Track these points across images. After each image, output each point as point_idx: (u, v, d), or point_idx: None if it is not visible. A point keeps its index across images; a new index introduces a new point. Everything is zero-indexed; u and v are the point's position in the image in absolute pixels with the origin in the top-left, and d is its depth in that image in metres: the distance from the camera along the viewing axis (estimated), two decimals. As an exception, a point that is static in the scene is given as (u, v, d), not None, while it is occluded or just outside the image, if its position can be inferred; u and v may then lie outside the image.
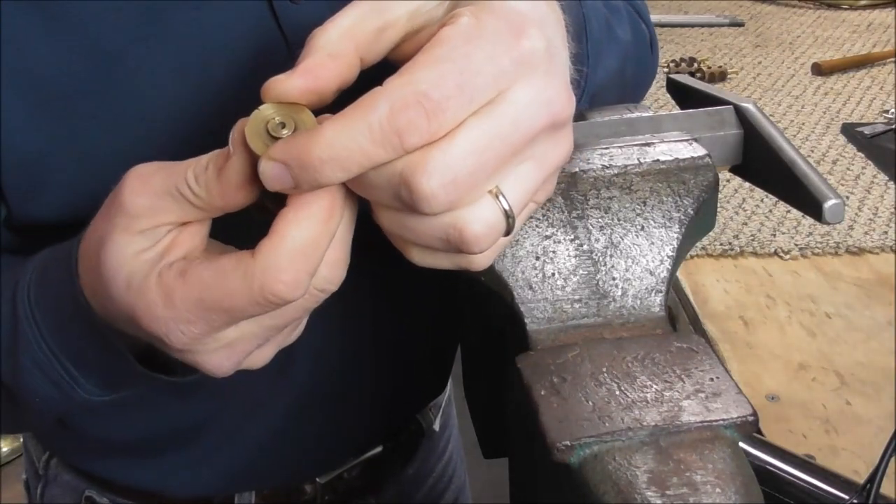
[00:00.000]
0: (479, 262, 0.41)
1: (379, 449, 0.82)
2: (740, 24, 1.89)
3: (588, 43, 0.63)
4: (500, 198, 0.38)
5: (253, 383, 0.72)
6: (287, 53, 0.58)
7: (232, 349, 0.44)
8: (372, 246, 0.68)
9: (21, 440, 0.90)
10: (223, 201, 0.40)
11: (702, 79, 1.56)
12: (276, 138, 0.37)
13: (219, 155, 0.39)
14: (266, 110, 0.38)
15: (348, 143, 0.35)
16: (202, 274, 0.40)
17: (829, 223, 0.49)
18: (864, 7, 1.95)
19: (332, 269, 0.41)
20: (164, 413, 0.72)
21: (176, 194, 0.40)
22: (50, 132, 0.54)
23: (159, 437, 0.74)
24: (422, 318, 0.80)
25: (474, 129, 0.36)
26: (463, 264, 0.41)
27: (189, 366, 0.45)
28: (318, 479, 0.80)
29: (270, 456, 0.76)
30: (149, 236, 0.41)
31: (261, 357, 0.47)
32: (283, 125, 0.37)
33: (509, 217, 0.38)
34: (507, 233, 0.39)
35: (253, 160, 0.38)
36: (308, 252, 0.39)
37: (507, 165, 0.37)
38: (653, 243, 0.48)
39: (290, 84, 0.38)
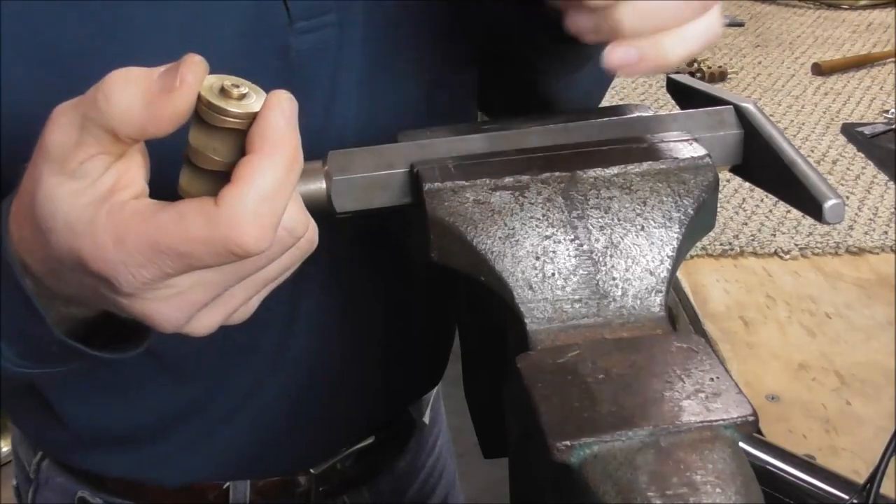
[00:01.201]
0: (719, 20, 0.43)
1: (371, 440, 0.83)
2: (740, 24, 1.89)
3: None
4: None
5: (247, 369, 0.72)
6: (287, 20, 0.59)
7: (183, 299, 0.42)
8: (369, 238, 0.69)
9: (11, 444, 0.89)
10: (152, 126, 0.38)
11: (702, 79, 1.56)
12: (228, 96, 0.38)
13: (148, 89, 0.38)
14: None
15: None
16: (159, 215, 0.39)
17: (829, 223, 0.49)
18: (864, 7, 1.95)
19: (290, 215, 0.41)
20: (154, 399, 0.72)
21: (93, 122, 0.38)
22: (51, 95, 0.54)
23: (150, 423, 0.74)
24: (418, 308, 0.80)
25: None
26: (713, 26, 0.42)
27: (134, 331, 0.44)
28: (311, 471, 0.80)
29: (264, 444, 0.76)
30: (82, 175, 0.40)
31: (245, 311, 0.46)
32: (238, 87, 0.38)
33: None
34: None
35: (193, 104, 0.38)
36: (274, 200, 0.38)
37: None
38: (653, 243, 0.48)
39: None
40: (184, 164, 0.41)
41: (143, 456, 0.76)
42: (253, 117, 0.39)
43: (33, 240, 0.43)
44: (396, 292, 0.77)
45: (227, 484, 0.78)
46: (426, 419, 0.91)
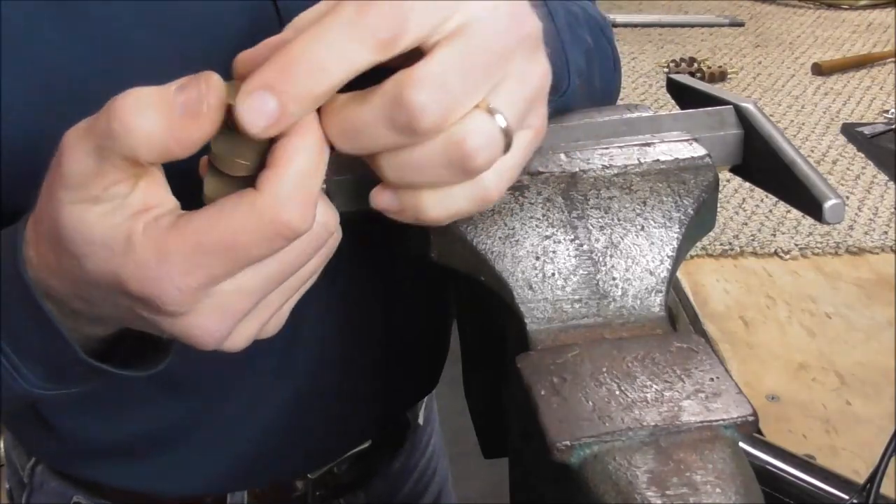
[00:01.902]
0: (492, 188, 0.40)
1: (368, 443, 0.83)
2: (740, 24, 1.89)
3: (557, 29, 0.63)
4: (492, 113, 0.38)
5: (247, 383, 0.72)
6: (277, 24, 0.58)
7: (226, 309, 0.41)
8: (368, 243, 0.69)
9: (3, 449, 0.88)
10: (178, 150, 0.38)
11: (702, 79, 1.56)
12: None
13: (168, 113, 0.37)
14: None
15: (327, 48, 0.35)
16: (195, 219, 0.38)
17: (829, 223, 0.49)
18: (864, 7, 1.95)
19: (322, 209, 0.41)
20: (152, 413, 0.71)
21: (111, 151, 0.38)
22: (52, 117, 0.53)
23: (148, 437, 0.73)
24: (416, 312, 0.80)
25: (454, 42, 0.37)
26: (479, 195, 0.40)
27: (153, 346, 0.43)
28: (309, 476, 0.80)
29: (263, 453, 0.76)
30: (108, 198, 0.39)
31: (277, 321, 0.45)
32: None
33: (506, 132, 0.38)
34: (507, 149, 0.39)
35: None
36: (311, 181, 0.38)
37: (489, 78, 0.38)
38: (653, 243, 0.48)
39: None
40: (208, 171, 0.40)
41: (138, 470, 0.75)
42: None
43: (58, 265, 0.42)
44: (395, 296, 0.77)
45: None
46: (420, 420, 0.91)
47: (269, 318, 0.45)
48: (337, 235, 0.43)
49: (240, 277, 0.40)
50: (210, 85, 0.37)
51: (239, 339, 0.44)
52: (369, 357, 0.77)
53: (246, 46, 0.57)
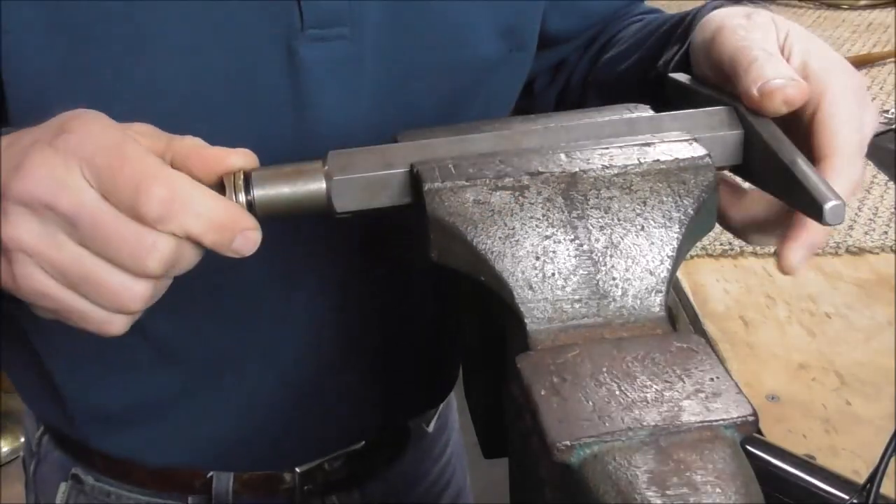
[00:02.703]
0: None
1: (361, 444, 0.83)
2: (740, 24, 1.88)
3: None
4: None
5: (236, 362, 0.73)
6: (299, 24, 0.60)
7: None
8: (367, 241, 0.69)
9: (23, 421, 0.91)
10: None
11: (702, 79, 1.55)
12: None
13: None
14: None
15: None
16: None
17: (829, 224, 0.49)
18: (864, 7, 1.95)
19: None
20: (149, 380, 0.73)
21: None
22: (63, 56, 0.54)
23: (141, 405, 0.75)
24: (418, 322, 0.80)
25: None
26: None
27: None
28: (297, 469, 0.80)
29: (248, 438, 0.77)
30: None
31: None
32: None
33: None
34: None
35: None
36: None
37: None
38: (653, 243, 0.48)
39: None
40: None
41: (132, 436, 0.77)
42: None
43: None
44: (394, 303, 0.77)
45: (211, 473, 0.78)
46: (430, 428, 0.91)
47: None
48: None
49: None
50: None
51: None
52: (361, 360, 0.77)
53: (262, 28, 0.61)
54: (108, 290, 0.44)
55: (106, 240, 0.43)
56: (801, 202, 0.50)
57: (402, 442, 0.88)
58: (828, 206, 0.48)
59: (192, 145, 0.47)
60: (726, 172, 0.56)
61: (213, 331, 0.71)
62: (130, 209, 0.43)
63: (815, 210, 0.49)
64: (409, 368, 0.82)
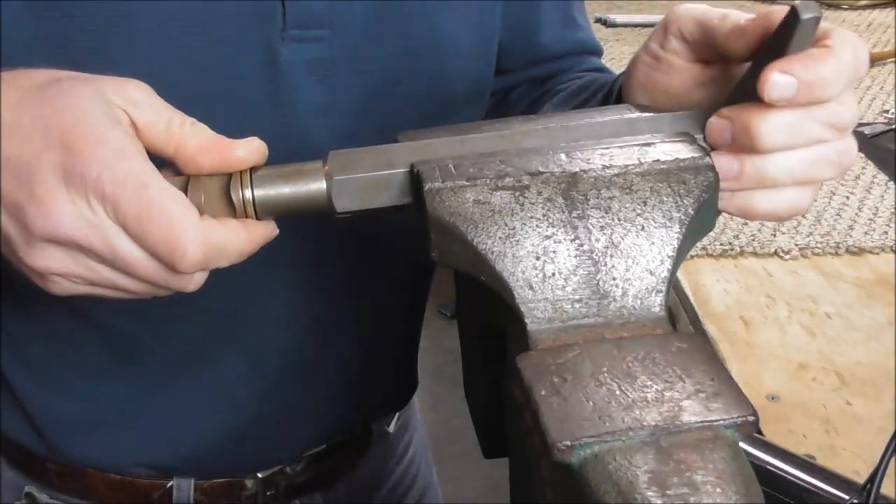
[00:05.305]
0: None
1: (322, 447, 0.82)
2: (740, 24, 1.89)
3: None
4: None
5: (194, 366, 0.73)
6: (282, 23, 0.60)
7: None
8: (329, 262, 0.69)
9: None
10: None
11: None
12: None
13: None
14: None
15: None
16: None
17: (805, 25, 0.54)
18: (864, 7, 1.95)
19: None
20: (107, 382, 0.73)
21: None
22: (45, 44, 0.55)
23: (99, 409, 0.75)
24: (384, 331, 0.81)
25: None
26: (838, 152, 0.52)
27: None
28: (259, 474, 0.80)
29: (209, 443, 0.77)
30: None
31: None
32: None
33: None
34: None
35: None
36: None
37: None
38: (653, 243, 0.48)
39: None
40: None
41: (96, 439, 0.76)
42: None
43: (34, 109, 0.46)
44: (362, 308, 0.77)
45: (171, 483, 0.78)
46: (391, 428, 0.91)
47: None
48: None
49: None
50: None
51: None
52: (332, 365, 0.78)
53: (244, 25, 0.62)
54: (147, 294, 0.49)
55: (141, 276, 0.47)
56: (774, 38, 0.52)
57: (364, 444, 0.87)
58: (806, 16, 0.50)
59: (195, 144, 0.47)
60: (651, 45, 0.57)
61: (177, 331, 0.71)
62: (166, 263, 0.46)
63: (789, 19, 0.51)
64: (375, 372, 0.82)
